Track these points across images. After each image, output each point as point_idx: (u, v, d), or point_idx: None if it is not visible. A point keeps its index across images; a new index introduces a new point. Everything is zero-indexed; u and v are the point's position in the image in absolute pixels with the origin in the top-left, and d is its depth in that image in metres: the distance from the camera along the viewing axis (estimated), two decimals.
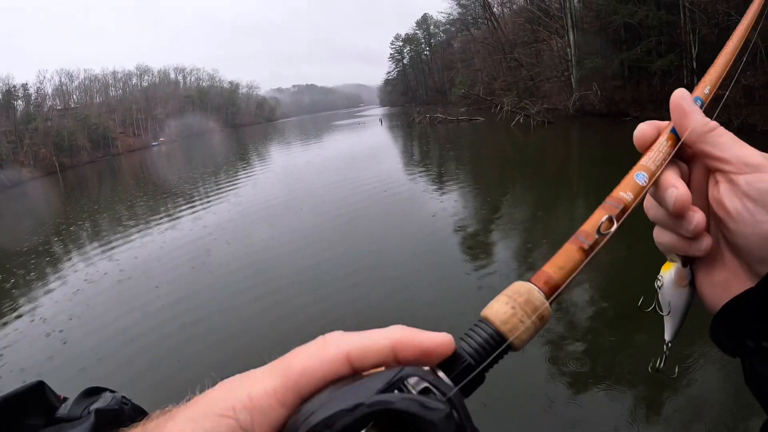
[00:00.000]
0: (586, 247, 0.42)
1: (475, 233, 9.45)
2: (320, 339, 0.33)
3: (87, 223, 17.31)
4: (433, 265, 7.82)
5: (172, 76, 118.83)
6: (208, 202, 16.90)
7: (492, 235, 9.34)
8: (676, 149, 0.49)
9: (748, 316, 0.43)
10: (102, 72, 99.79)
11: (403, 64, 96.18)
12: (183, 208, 16.16)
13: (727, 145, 0.46)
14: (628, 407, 4.04)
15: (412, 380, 0.29)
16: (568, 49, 31.52)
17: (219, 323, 6.56)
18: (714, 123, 0.47)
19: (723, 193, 0.45)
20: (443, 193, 13.23)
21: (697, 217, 0.45)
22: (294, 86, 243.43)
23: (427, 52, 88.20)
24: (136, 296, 8.23)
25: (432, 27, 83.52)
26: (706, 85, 0.60)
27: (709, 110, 0.52)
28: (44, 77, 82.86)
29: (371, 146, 28.15)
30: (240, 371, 0.32)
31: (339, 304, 6.68)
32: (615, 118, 24.53)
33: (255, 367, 0.32)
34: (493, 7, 47.76)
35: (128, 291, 8.60)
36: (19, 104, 72.97)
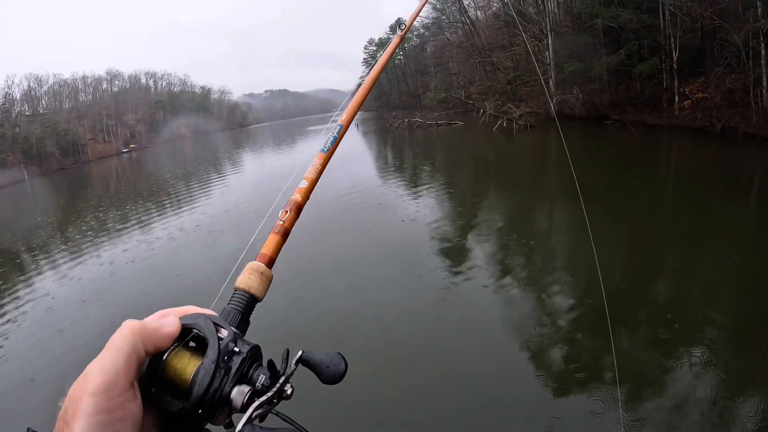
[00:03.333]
0: (278, 231, 0.75)
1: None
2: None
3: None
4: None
5: (143, 81, 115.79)
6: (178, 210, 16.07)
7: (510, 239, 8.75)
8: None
9: None
10: (71, 77, 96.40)
11: None
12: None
13: None
14: None
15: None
16: (547, 53, 31.41)
17: None
18: None
19: None
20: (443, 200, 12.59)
21: None
22: (266, 91, 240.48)
23: (401, 57, 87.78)
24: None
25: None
26: (345, 114, 1.01)
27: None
28: (12, 82, 79.54)
29: (354, 151, 27.46)
30: None
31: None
32: (595, 121, 24.42)
33: None
34: (470, 11, 47.72)
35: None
36: None
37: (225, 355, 0.51)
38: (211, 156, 44.61)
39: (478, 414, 4.22)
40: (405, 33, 1.41)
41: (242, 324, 0.60)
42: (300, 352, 0.70)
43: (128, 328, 0.48)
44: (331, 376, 0.68)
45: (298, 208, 0.79)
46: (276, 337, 5.34)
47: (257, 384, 0.54)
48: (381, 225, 10.77)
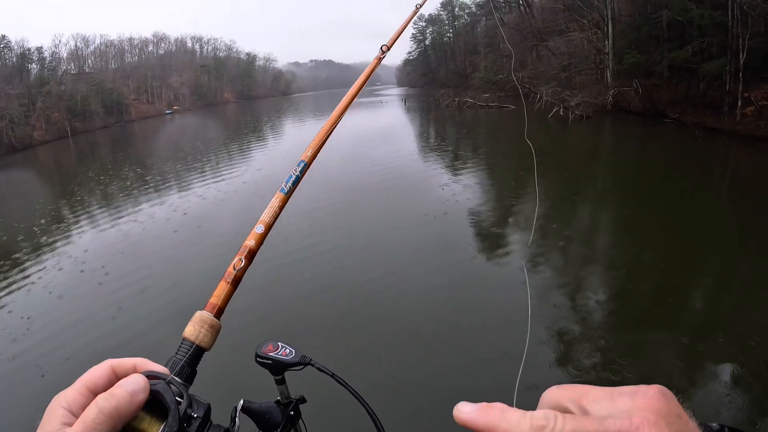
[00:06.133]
0: (230, 280, 0.72)
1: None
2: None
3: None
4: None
5: (189, 45, 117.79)
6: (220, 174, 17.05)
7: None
8: None
9: None
10: (118, 38, 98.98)
11: (424, 44, 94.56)
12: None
13: None
14: None
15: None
16: (606, 42, 30.79)
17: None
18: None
19: None
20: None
21: None
22: (311, 61, 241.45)
23: (450, 35, 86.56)
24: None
25: (457, 9, 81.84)
26: (309, 149, 0.92)
27: None
28: (59, 41, 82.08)
29: (417, 135, 27.70)
30: None
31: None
32: (653, 117, 24.00)
33: None
34: None
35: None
36: (33, 68, 71.87)
37: (184, 421, 0.54)
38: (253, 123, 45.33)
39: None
40: (384, 54, 1.35)
41: (191, 376, 0.63)
42: (241, 402, 0.86)
43: (106, 414, 0.48)
44: (270, 426, 0.89)
45: (251, 255, 0.76)
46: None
47: None
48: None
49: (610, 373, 4.91)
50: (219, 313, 0.69)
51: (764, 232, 8.86)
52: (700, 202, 11.12)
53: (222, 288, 0.71)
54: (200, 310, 0.69)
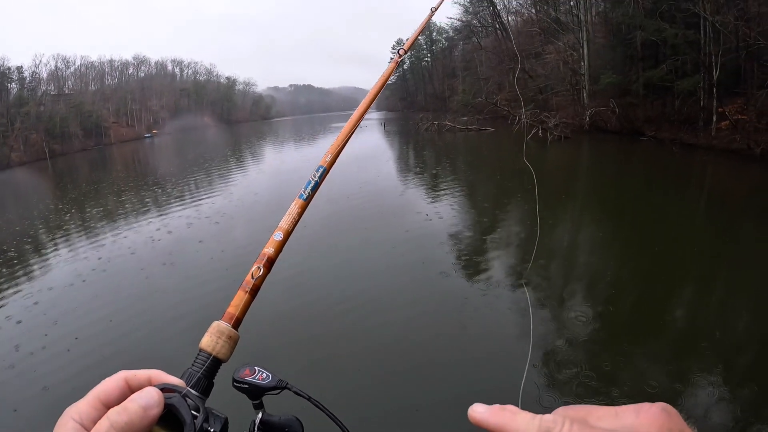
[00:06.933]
0: (248, 289, 0.68)
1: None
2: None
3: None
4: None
5: (170, 68, 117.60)
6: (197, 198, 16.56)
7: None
8: None
9: None
10: (99, 59, 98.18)
11: (403, 69, 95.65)
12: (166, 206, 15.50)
13: None
14: None
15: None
16: (582, 63, 31.23)
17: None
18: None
19: None
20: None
21: None
22: (291, 86, 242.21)
23: (428, 59, 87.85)
24: None
25: (435, 33, 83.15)
26: (328, 154, 0.90)
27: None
28: (40, 61, 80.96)
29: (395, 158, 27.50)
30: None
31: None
32: (630, 135, 24.23)
33: None
34: (503, 17, 47.59)
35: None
36: (13, 87, 70.83)
37: None
38: (233, 149, 44.95)
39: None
40: (402, 58, 1.32)
41: (208, 389, 0.60)
42: (260, 415, 0.84)
43: (117, 430, 0.46)
44: None
45: (270, 264, 0.73)
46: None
47: None
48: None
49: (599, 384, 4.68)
50: (237, 323, 0.66)
51: (742, 241, 9.09)
52: (679, 216, 11.05)
53: (240, 297, 0.68)
54: (217, 320, 0.66)
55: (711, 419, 4.21)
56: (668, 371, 5.00)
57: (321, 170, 0.88)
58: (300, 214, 0.80)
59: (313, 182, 0.85)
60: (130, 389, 0.51)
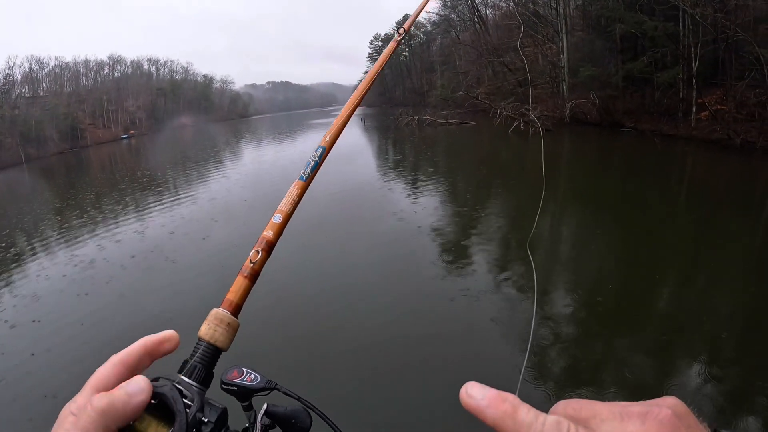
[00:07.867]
0: (246, 274, 0.66)
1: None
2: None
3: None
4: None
5: (146, 67, 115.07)
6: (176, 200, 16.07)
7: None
8: None
9: None
10: (73, 60, 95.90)
11: None
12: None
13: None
14: None
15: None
16: (561, 56, 31.22)
17: None
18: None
19: None
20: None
21: None
22: (268, 83, 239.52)
23: (406, 53, 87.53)
24: None
25: (413, 28, 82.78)
26: (328, 134, 0.87)
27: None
28: (14, 63, 79.16)
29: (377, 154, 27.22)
30: None
31: None
32: (610, 127, 24.26)
33: None
34: (481, 9, 47.49)
35: None
36: None
37: (193, 426, 0.50)
38: (211, 150, 44.22)
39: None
40: (402, 37, 1.26)
41: (207, 378, 0.56)
42: (264, 406, 0.76)
43: (97, 411, 0.45)
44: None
45: (270, 247, 0.70)
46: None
47: None
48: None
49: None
50: (236, 310, 0.64)
51: (722, 230, 9.19)
52: (661, 206, 11.03)
53: (239, 283, 0.65)
54: (216, 307, 0.63)
55: (701, 405, 4.09)
56: (655, 359, 4.98)
57: (321, 150, 0.84)
58: (300, 196, 0.77)
59: (312, 162, 0.82)
60: (130, 371, 0.51)
